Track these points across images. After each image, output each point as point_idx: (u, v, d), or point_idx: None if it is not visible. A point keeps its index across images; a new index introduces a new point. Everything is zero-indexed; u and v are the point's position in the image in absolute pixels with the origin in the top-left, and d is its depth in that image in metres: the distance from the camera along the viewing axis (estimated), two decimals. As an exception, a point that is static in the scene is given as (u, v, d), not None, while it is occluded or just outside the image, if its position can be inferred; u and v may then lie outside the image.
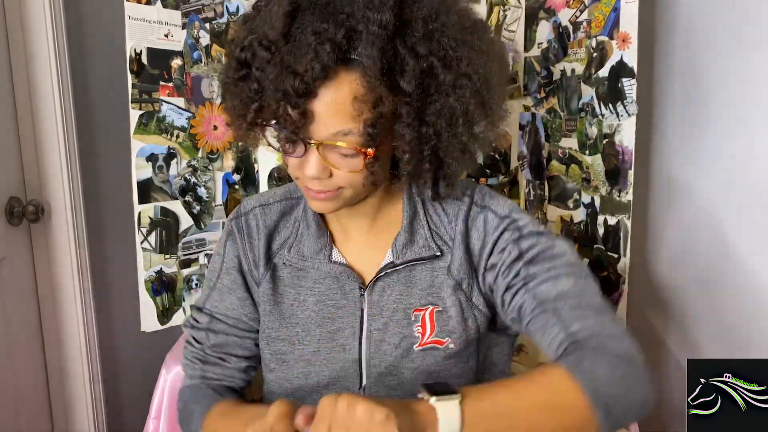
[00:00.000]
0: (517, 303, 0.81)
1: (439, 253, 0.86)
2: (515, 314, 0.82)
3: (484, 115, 0.77)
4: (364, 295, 0.87)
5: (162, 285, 1.49)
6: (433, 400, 0.63)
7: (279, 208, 0.93)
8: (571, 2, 1.49)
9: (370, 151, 0.72)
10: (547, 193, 1.62)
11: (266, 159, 1.58)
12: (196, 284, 1.55)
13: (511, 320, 0.84)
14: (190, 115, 1.49)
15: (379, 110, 0.70)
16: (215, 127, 1.53)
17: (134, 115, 1.41)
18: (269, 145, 0.78)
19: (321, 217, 0.90)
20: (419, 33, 0.71)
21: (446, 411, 0.62)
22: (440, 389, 0.64)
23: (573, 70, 1.50)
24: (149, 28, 1.41)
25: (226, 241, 0.94)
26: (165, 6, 1.42)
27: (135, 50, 1.40)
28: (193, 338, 0.95)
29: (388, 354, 0.85)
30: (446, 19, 0.73)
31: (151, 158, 1.44)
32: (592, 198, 1.50)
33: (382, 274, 0.86)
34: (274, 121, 0.73)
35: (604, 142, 1.44)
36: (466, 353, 0.87)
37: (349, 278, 0.87)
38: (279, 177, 1.59)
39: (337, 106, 0.70)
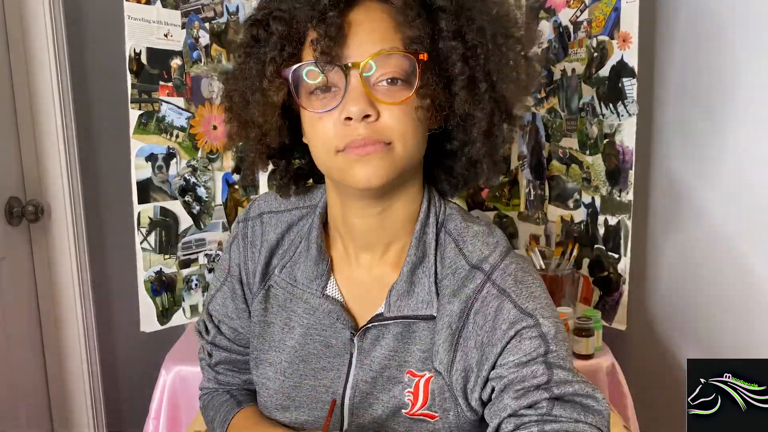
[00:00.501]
0: None
1: (436, 314, 0.71)
2: None
3: (520, 32, 0.71)
4: (354, 341, 0.75)
5: (161, 285, 1.49)
6: None
7: (287, 219, 0.81)
8: (572, 2, 1.49)
9: (422, 54, 0.64)
10: (547, 193, 1.62)
11: (266, 159, 1.58)
12: (196, 284, 1.55)
13: None
14: (189, 115, 1.49)
15: (419, 23, 0.65)
16: (215, 127, 1.53)
17: (134, 115, 1.41)
18: (294, 97, 0.67)
19: (325, 240, 0.78)
20: None
21: None
22: None
23: (573, 70, 1.50)
24: (149, 28, 1.41)
25: (232, 243, 0.85)
26: (165, 6, 1.42)
27: (134, 50, 1.39)
28: (206, 350, 0.89)
29: (374, 409, 0.75)
30: None
31: (151, 158, 1.44)
32: (593, 198, 1.49)
33: (373, 324, 0.74)
34: (306, 62, 0.65)
35: (605, 141, 1.44)
36: None
37: (338, 320, 0.75)
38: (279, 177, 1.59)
39: (372, 26, 0.65)
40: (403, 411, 0.73)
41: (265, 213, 0.83)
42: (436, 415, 0.72)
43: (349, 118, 0.64)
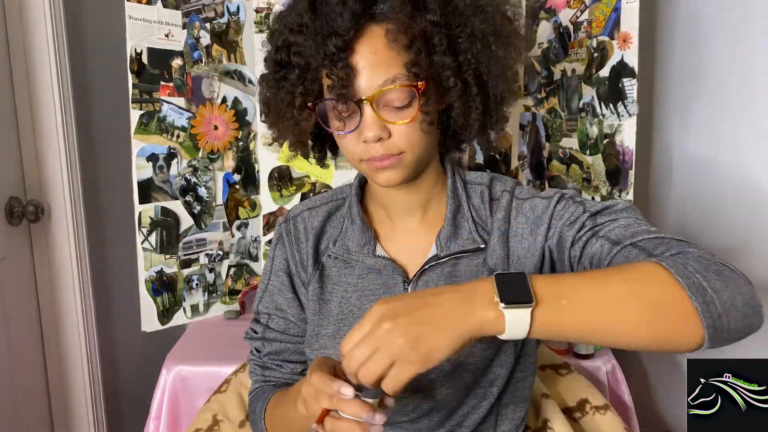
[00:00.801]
0: (589, 252, 0.78)
1: (483, 245, 0.86)
2: (588, 264, 0.78)
3: (510, 29, 0.82)
4: (407, 289, 0.87)
5: (162, 285, 1.49)
6: (502, 306, 0.60)
7: (325, 209, 0.95)
8: (572, 2, 1.49)
9: (420, 83, 0.75)
10: (547, 193, 1.62)
11: (266, 159, 1.58)
12: (197, 284, 1.55)
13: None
14: (190, 115, 1.49)
15: (416, 47, 0.74)
16: (216, 127, 1.53)
17: (134, 115, 1.41)
18: (322, 125, 0.81)
19: (365, 215, 0.92)
20: None
21: (515, 320, 0.61)
22: (512, 293, 0.61)
23: (573, 70, 1.50)
24: (149, 28, 1.41)
25: (275, 245, 0.97)
26: (165, 6, 1.42)
27: (135, 50, 1.39)
28: (254, 348, 0.98)
29: None
30: None
31: (152, 158, 1.44)
32: (593, 198, 1.50)
33: (427, 267, 0.86)
34: (327, 95, 0.77)
35: (605, 142, 1.44)
36: (504, 345, 0.86)
37: (393, 272, 0.87)
38: (279, 177, 1.59)
39: (376, 57, 0.75)
40: None
41: (304, 211, 0.96)
42: None
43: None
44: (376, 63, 0.75)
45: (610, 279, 0.64)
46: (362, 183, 0.95)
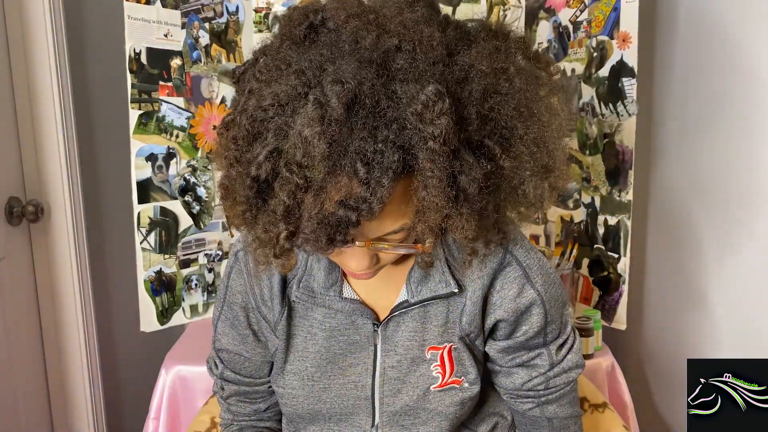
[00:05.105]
0: (524, 405, 0.89)
1: (456, 290, 0.80)
2: (512, 395, 0.90)
3: (544, 176, 0.69)
4: (377, 330, 0.83)
5: (161, 285, 1.49)
6: None
7: None
8: (572, 2, 1.49)
9: (427, 246, 0.67)
10: (547, 193, 1.62)
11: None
12: (196, 284, 1.55)
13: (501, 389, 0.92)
14: (189, 114, 1.49)
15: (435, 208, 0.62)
16: (215, 127, 1.53)
17: (134, 114, 1.41)
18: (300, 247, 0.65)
19: None
20: (474, 123, 0.61)
21: None
22: None
23: (573, 70, 1.50)
24: (148, 28, 1.41)
25: (230, 273, 0.87)
26: (164, 6, 1.42)
27: (134, 50, 1.39)
28: (216, 385, 0.95)
29: (404, 393, 0.83)
30: (505, 87, 0.64)
31: (151, 158, 1.44)
32: (593, 198, 1.49)
33: (396, 313, 0.82)
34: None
35: (605, 141, 1.44)
36: (478, 393, 0.86)
37: (362, 315, 0.82)
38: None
39: (390, 208, 0.61)
40: (432, 387, 0.82)
41: None
42: (461, 380, 0.83)
43: None
44: (387, 214, 0.62)
45: None
46: None
